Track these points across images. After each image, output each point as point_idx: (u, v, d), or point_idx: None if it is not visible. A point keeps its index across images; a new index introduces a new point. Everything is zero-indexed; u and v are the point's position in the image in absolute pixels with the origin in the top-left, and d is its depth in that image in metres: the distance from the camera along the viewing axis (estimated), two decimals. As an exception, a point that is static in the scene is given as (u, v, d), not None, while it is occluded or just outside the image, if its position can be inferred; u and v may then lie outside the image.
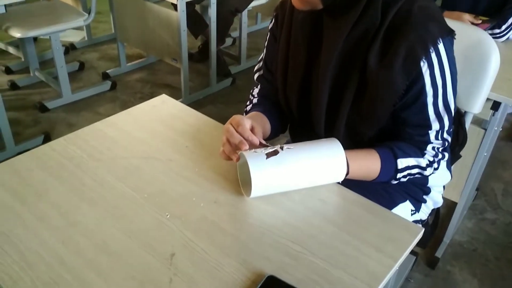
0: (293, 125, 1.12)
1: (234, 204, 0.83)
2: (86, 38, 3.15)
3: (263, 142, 0.87)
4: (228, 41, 3.24)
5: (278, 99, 1.07)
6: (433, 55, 0.84)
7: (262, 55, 1.13)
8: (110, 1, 2.92)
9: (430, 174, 0.98)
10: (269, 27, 1.08)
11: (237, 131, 0.85)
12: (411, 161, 0.92)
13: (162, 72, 2.92)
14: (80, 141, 1.00)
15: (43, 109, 2.41)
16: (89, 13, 2.37)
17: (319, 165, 0.83)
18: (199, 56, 2.99)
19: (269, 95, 1.11)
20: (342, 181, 0.87)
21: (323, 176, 0.84)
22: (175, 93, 2.68)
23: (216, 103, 2.62)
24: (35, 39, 2.88)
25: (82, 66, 2.86)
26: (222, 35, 2.72)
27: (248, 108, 1.11)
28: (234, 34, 3.20)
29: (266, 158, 0.80)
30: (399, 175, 0.92)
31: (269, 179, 0.80)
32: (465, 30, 1.12)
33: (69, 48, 3.02)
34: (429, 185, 1.10)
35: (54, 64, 2.35)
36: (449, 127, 0.94)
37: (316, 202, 0.84)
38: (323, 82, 0.91)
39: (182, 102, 2.49)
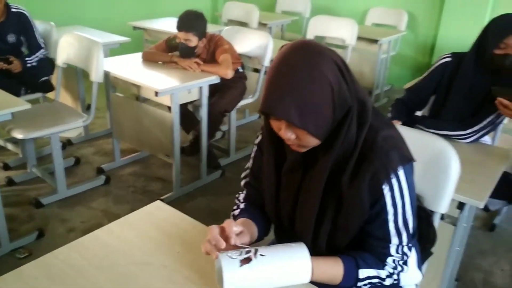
0: (278, 230, 1.24)
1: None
2: (83, 134, 3.32)
3: (241, 245, 0.99)
4: (218, 134, 3.43)
5: (263, 205, 1.20)
6: (394, 180, 0.99)
7: (249, 165, 1.26)
8: (107, 99, 3.14)
9: (390, 284, 1.09)
10: (256, 142, 1.23)
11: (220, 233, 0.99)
12: (372, 272, 1.05)
13: (154, 166, 3.06)
14: (81, 249, 1.09)
15: (38, 205, 2.49)
16: (88, 114, 2.55)
17: (286, 270, 0.96)
18: (190, 150, 3.15)
19: (254, 200, 1.24)
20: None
21: (289, 279, 0.97)
22: (167, 186, 2.80)
23: (207, 195, 2.73)
24: (34, 135, 3.03)
25: (77, 161, 3.00)
26: (213, 132, 2.92)
27: (236, 212, 1.22)
28: (224, 127, 3.39)
29: (240, 266, 0.92)
30: (359, 283, 1.04)
31: (241, 283, 0.92)
32: (428, 140, 1.29)
33: (66, 144, 3.17)
34: (401, 285, 1.19)
35: (52, 161, 2.48)
36: (408, 242, 1.06)
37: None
38: (312, 204, 1.05)
39: (173, 195, 2.63)
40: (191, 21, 2.64)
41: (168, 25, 4.05)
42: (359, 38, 3.97)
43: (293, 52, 0.94)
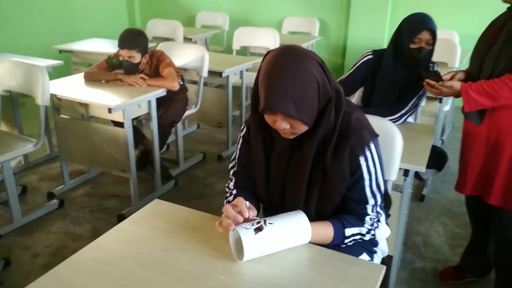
0: (269, 208, 1.42)
1: (229, 268, 1.10)
2: (22, 162, 3.22)
3: (252, 218, 1.17)
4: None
5: (252, 189, 1.38)
6: (368, 153, 1.23)
7: (235, 155, 1.43)
8: (47, 125, 3.08)
9: (369, 239, 1.33)
10: (242, 134, 1.40)
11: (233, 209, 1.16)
12: (355, 230, 1.28)
13: (105, 184, 3.07)
14: (105, 246, 1.18)
15: (-5, 236, 2.42)
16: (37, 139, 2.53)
17: (292, 234, 1.16)
18: (139, 165, 3.20)
19: (243, 185, 1.42)
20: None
21: (295, 241, 1.17)
22: (123, 201, 2.84)
23: (164, 205, 2.81)
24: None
25: (24, 189, 2.92)
26: (162, 143, 3.01)
27: (231, 198, 1.39)
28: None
29: (255, 234, 1.10)
30: (346, 241, 1.28)
31: (257, 248, 1.11)
32: (378, 122, 1.54)
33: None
34: (376, 238, 1.44)
35: (5, 190, 2.42)
36: (381, 202, 1.32)
37: (296, 258, 1.14)
38: (301, 182, 1.26)
39: (133, 208, 2.68)
40: (134, 38, 2.74)
41: (93, 45, 4.07)
42: (280, 45, 4.28)
43: (283, 57, 1.14)
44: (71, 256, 1.13)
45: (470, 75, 1.89)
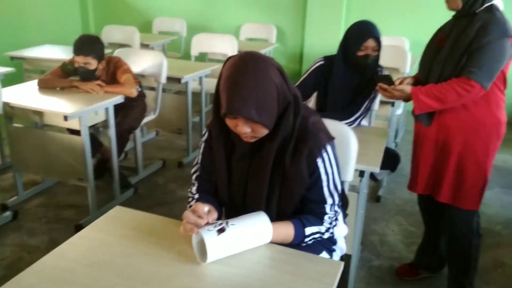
0: (230, 211, 1.44)
1: (194, 270, 1.12)
2: (-28, 173, 3.08)
3: (213, 221, 1.20)
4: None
5: (214, 193, 1.40)
6: (325, 155, 1.29)
7: (198, 160, 1.45)
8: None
9: (328, 237, 1.38)
10: (203, 139, 1.42)
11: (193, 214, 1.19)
12: (314, 229, 1.33)
13: (61, 194, 2.99)
14: (68, 253, 1.16)
15: None
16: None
17: (254, 234, 1.20)
18: (96, 173, 3.13)
19: (206, 189, 1.43)
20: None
21: (257, 241, 1.21)
22: (80, 211, 2.77)
23: (124, 214, 2.77)
24: None
25: (-25, 201, 2.79)
26: (120, 151, 2.96)
27: (192, 203, 1.40)
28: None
29: (218, 235, 1.13)
30: (306, 239, 1.32)
31: (220, 249, 1.13)
32: (334, 126, 1.60)
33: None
34: (335, 237, 1.49)
35: (-47, 203, 2.31)
36: (338, 201, 1.38)
37: (259, 257, 1.18)
38: (262, 184, 1.29)
39: (92, 218, 2.62)
40: (89, 45, 2.69)
41: (46, 52, 3.97)
42: (238, 52, 4.33)
43: (244, 63, 1.17)
44: (33, 265, 1.11)
45: (418, 81, 2.00)
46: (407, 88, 1.92)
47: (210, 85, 3.83)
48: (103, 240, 1.23)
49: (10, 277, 1.07)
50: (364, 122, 2.48)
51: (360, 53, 2.17)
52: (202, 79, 3.57)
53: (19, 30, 5.14)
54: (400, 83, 2.00)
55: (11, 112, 2.64)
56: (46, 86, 2.74)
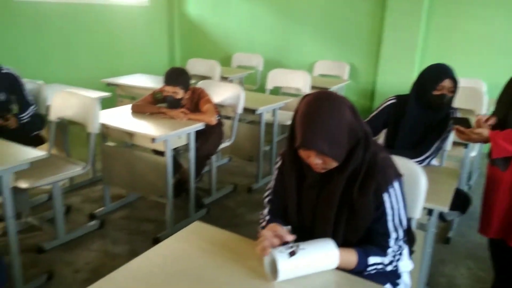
0: (299, 235, 1.55)
1: (263, 286, 1.23)
2: (67, 184, 3.45)
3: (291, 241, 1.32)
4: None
5: (283, 216, 1.52)
6: (391, 190, 1.37)
7: (270, 185, 1.59)
8: (89, 151, 3.32)
9: (391, 270, 1.44)
10: (277, 166, 1.56)
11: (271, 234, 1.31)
12: (377, 259, 1.39)
13: (141, 208, 3.27)
14: (152, 259, 1.33)
15: (41, 250, 2.61)
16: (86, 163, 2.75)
17: (322, 259, 1.29)
18: (174, 192, 3.38)
19: (276, 213, 1.56)
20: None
21: (324, 265, 1.30)
22: (159, 226, 3.01)
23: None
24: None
25: (68, 209, 3.13)
26: (198, 173, 3.19)
27: (264, 224, 1.53)
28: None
29: (289, 257, 1.24)
30: (369, 268, 1.39)
31: (290, 270, 1.24)
32: (403, 163, 1.67)
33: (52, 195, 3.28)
34: (399, 271, 1.54)
35: (53, 208, 2.63)
36: (403, 237, 1.44)
37: (324, 281, 1.27)
38: (329, 213, 1.39)
39: (168, 232, 2.83)
40: (178, 76, 2.98)
41: (137, 80, 4.38)
42: (311, 87, 4.49)
43: (320, 101, 1.32)
44: (126, 264, 1.29)
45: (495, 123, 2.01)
46: (485, 131, 1.93)
47: (283, 117, 4.02)
48: (183, 251, 1.38)
49: (94, 280, 1.19)
50: (435, 162, 2.49)
51: (436, 92, 2.22)
52: (276, 111, 3.75)
53: (115, 59, 5.71)
54: (486, 120, 1.99)
55: (106, 132, 2.97)
56: (138, 111, 3.06)
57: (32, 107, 3.02)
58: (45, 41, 4.93)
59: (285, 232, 1.33)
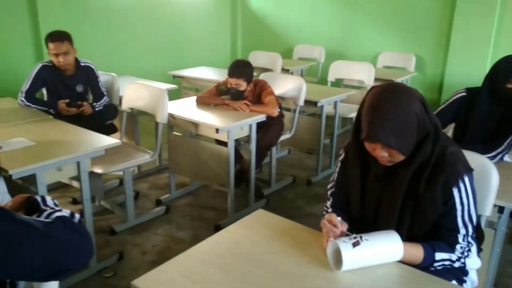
0: (361, 227, 1.55)
1: (326, 274, 1.25)
2: (136, 171, 3.65)
3: (347, 232, 1.33)
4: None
5: (346, 209, 1.53)
6: (461, 185, 1.33)
7: (333, 177, 1.60)
8: (157, 140, 3.49)
9: (458, 266, 1.39)
10: (340, 159, 1.57)
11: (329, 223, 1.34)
12: (445, 255, 1.36)
13: (204, 197, 3.39)
14: (218, 243, 1.39)
15: (112, 232, 2.79)
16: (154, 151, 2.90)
17: (386, 251, 1.28)
18: (235, 182, 3.47)
19: (339, 205, 1.57)
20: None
21: (387, 257, 1.29)
22: (219, 213, 3.11)
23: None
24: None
25: (137, 195, 3.32)
26: (258, 164, 3.25)
27: (326, 216, 1.54)
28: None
29: (353, 247, 1.25)
30: (435, 264, 1.36)
31: (354, 260, 1.25)
32: (474, 157, 1.61)
33: (122, 181, 3.49)
34: (466, 268, 1.50)
35: (124, 193, 2.80)
36: (472, 233, 1.39)
37: (387, 273, 1.27)
38: (394, 206, 1.39)
39: (229, 220, 2.92)
40: (241, 68, 3.05)
41: (201, 73, 4.51)
42: (374, 79, 4.39)
43: (387, 93, 1.30)
44: (194, 247, 1.36)
45: None
46: None
47: (344, 109, 3.97)
48: (248, 237, 1.43)
49: (161, 262, 1.26)
50: (507, 158, 2.37)
51: (510, 85, 2.11)
52: (337, 104, 3.71)
53: (180, 52, 5.93)
54: None
55: (173, 122, 3.10)
56: (202, 103, 3.16)
57: (105, 97, 3.22)
58: (116, 35, 5.21)
59: (338, 221, 1.34)
